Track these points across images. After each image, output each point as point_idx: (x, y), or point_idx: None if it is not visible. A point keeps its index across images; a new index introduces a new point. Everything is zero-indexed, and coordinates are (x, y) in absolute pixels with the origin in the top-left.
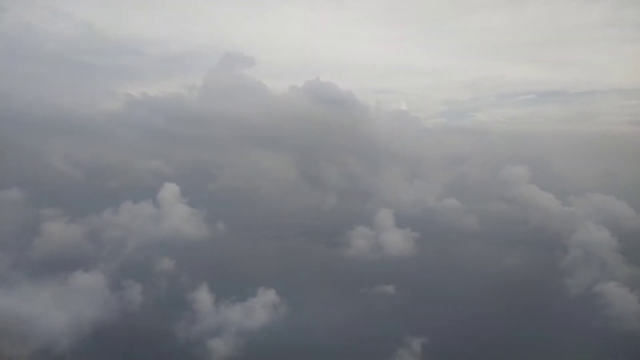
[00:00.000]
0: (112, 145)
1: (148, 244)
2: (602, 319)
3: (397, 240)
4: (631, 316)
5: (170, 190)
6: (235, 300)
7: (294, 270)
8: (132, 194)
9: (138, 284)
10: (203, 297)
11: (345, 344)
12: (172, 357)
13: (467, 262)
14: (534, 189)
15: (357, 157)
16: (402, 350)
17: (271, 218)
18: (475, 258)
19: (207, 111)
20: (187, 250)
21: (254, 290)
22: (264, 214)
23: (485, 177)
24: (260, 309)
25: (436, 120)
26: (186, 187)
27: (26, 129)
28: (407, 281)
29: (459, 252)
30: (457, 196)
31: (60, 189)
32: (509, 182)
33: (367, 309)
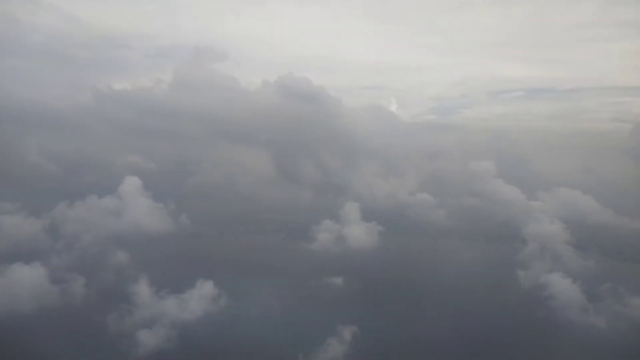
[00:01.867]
0: (82, 139)
1: (106, 238)
2: (546, 310)
3: (360, 234)
4: (573, 306)
5: (132, 184)
6: (173, 292)
7: (246, 263)
8: (98, 188)
9: (82, 277)
10: (143, 290)
11: (276, 334)
12: (100, 348)
13: (426, 255)
14: (500, 184)
15: (332, 152)
16: (332, 339)
17: (240, 213)
18: (435, 251)
19: (176, 105)
20: (143, 244)
21: (194, 283)
22: (233, 209)
23: (459, 172)
24: (197, 301)
25: (426, 117)
26: (152, 181)
27: None
28: (360, 273)
29: (420, 246)
30: (430, 191)
31: (24, 182)
32: (476, 176)
33: (309, 300)
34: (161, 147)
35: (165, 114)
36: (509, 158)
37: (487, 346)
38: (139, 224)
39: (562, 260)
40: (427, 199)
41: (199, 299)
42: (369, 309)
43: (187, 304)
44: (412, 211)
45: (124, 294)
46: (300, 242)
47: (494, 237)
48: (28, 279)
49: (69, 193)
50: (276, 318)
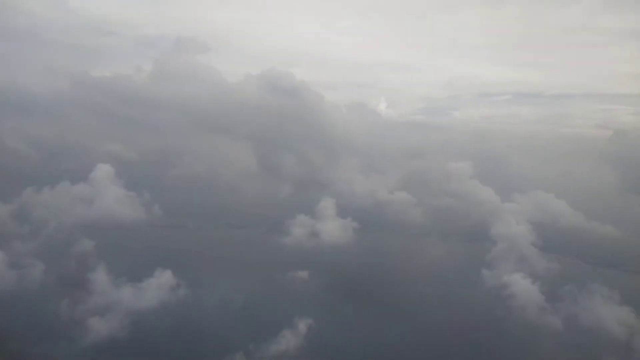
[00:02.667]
0: (59, 125)
1: (74, 225)
2: (505, 309)
3: (333, 230)
4: (531, 306)
5: (104, 172)
6: (131, 281)
7: (213, 256)
8: (72, 175)
9: (41, 263)
10: (101, 277)
11: (231, 325)
12: (50, 335)
13: (397, 253)
14: (476, 185)
15: (313, 147)
16: (287, 332)
17: (219, 206)
18: (407, 249)
19: (156, 95)
20: (111, 233)
21: (153, 272)
22: (212, 202)
23: (439, 172)
24: (153, 291)
25: (415, 117)
26: (126, 170)
27: None
28: (327, 268)
29: (393, 243)
30: (409, 190)
31: None
32: (453, 177)
33: (271, 292)
34: (139, 137)
35: (144, 103)
36: (490, 160)
37: (442, 343)
38: (109, 212)
39: (526, 261)
40: (405, 198)
41: (156, 289)
42: (330, 303)
43: (143, 293)
44: (390, 209)
45: (81, 281)
46: (274, 236)
47: (466, 237)
48: None
49: (42, 179)
50: (233, 309)
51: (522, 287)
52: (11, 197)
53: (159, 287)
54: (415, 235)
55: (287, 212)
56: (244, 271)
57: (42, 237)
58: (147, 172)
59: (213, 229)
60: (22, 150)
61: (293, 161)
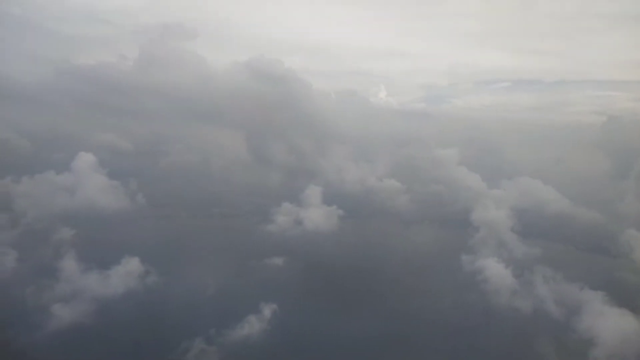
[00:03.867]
0: (43, 114)
1: (54, 214)
2: (478, 293)
3: (317, 217)
4: (503, 290)
5: (85, 161)
6: (101, 268)
7: (190, 244)
8: (56, 164)
9: (15, 252)
10: (71, 265)
11: (195, 311)
12: (14, 321)
13: (380, 240)
14: (464, 171)
15: (302, 135)
16: (252, 316)
17: (206, 195)
18: (391, 236)
19: (141, 83)
20: (90, 222)
21: (121, 260)
22: (198, 190)
23: (429, 159)
24: (121, 278)
25: (415, 105)
26: (111, 159)
27: None
28: (305, 255)
29: (377, 230)
30: (399, 177)
31: None
32: (441, 164)
33: (242, 279)
34: (124, 125)
35: (129, 91)
36: (481, 148)
37: (412, 328)
38: (91, 201)
39: (505, 246)
40: (395, 185)
41: (123, 276)
42: (300, 290)
43: (110, 280)
44: (378, 196)
45: (52, 269)
46: (259, 224)
47: (452, 223)
48: None
49: (26, 168)
50: (201, 296)
51: (495, 271)
52: None
53: (126, 274)
54: (401, 222)
55: (275, 200)
56: (220, 259)
57: (20, 226)
58: (132, 161)
59: (198, 218)
60: (6, 139)
61: (282, 149)
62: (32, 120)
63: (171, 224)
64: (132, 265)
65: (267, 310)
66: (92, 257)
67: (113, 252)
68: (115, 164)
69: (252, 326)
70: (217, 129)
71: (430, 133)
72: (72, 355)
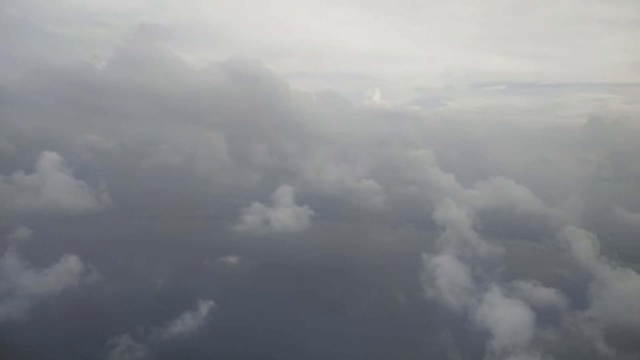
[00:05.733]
0: (15, 114)
1: (15, 214)
2: (434, 291)
3: (286, 217)
4: (457, 287)
5: (50, 160)
6: (37, 267)
7: (146, 244)
8: (24, 163)
9: None
10: (12, 264)
11: (132, 310)
12: None
13: (347, 240)
14: (437, 172)
15: (281, 135)
16: (188, 314)
17: (180, 195)
18: (358, 236)
19: (116, 83)
20: (54, 222)
21: (61, 259)
22: (172, 190)
23: (406, 161)
24: (60, 276)
25: (411, 107)
26: (77, 158)
27: None
28: (262, 255)
29: (346, 231)
30: (377, 178)
31: None
32: (417, 165)
33: (190, 277)
34: (99, 124)
35: (104, 91)
36: (465, 149)
37: (358, 327)
38: (53, 201)
39: (468, 245)
40: (372, 186)
41: (62, 274)
42: (247, 288)
43: (48, 279)
44: (355, 197)
45: None
46: (226, 224)
47: (423, 223)
48: None
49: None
50: (139, 294)
51: (450, 270)
52: None
53: (64, 273)
54: (373, 222)
55: (247, 200)
56: (173, 258)
57: None
58: (105, 161)
59: (167, 218)
60: None
61: (258, 149)
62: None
63: (136, 224)
64: (70, 264)
65: (205, 307)
66: (37, 255)
67: (58, 251)
68: (80, 164)
69: (185, 323)
70: (191, 127)
71: (413, 135)
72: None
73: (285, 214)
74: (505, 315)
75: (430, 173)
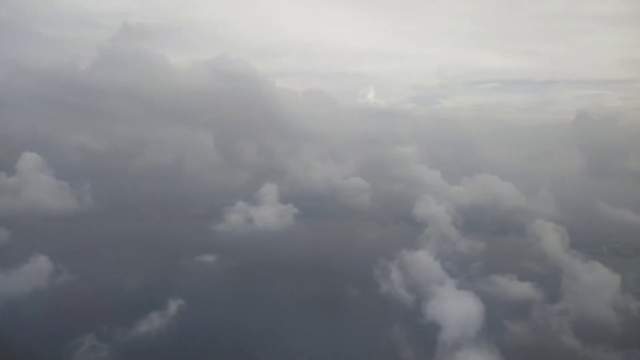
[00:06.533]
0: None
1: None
2: (407, 286)
3: (269, 216)
4: (432, 282)
5: (30, 161)
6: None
7: (124, 244)
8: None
9: None
10: None
11: (100, 310)
12: None
13: (328, 238)
14: (424, 169)
15: (267, 134)
16: (156, 313)
17: (166, 195)
18: (343, 234)
19: (99, 82)
20: (32, 223)
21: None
22: (157, 190)
23: (394, 158)
24: (28, 278)
25: (405, 105)
26: (62, 159)
27: None
28: (241, 254)
29: (331, 228)
30: (365, 176)
31: None
32: (404, 162)
33: (162, 276)
34: (82, 125)
35: (84, 92)
36: (454, 146)
37: (327, 324)
38: (35, 203)
39: (447, 241)
40: (359, 183)
41: (30, 275)
42: (220, 287)
43: (16, 280)
44: (342, 195)
45: None
46: (209, 223)
47: (407, 220)
48: None
49: None
50: (108, 294)
51: (424, 266)
52: None
53: (33, 274)
54: (358, 220)
55: (231, 199)
56: (149, 258)
57: None
58: (86, 162)
59: (153, 219)
60: None
61: (244, 148)
62: None
63: (115, 225)
64: (40, 265)
65: (174, 306)
66: (8, 256)
67: (30, 253)
68: (66, 165)
69: (152, 322)
70: (177, 127)
71: (402, 133)
72: None
73: (268, 213)
74: (456, 308)
75: (416, 170)
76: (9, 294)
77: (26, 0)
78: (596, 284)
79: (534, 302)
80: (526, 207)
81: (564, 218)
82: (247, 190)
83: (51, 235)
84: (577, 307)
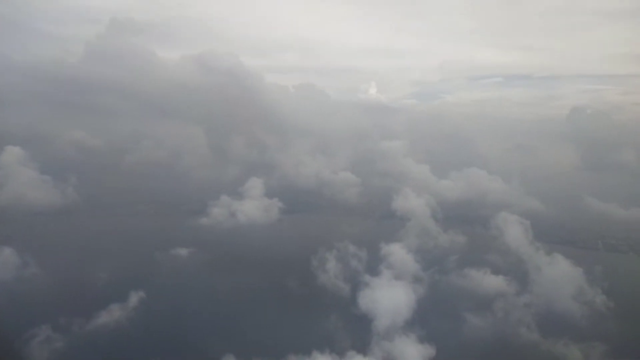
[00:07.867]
0: None
1: None
2: (384, 277)
3: (253, 210)
4: (405, 275)
5: (12, 155)
6: None
7: (101, 239)
8: None
9: None
10: None
11: (60, 300)
12: None
13: (312, 232)
14: (411, 163)
15: (258, 129)
16: (116, 305)
17: (151, 190)
18: (323, 228)
19: (88, 77)
20: (10, 217)
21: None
22: (151, 186)
23: (383, 153)
24: None
25: (407, 101)
26: (44, 153)
27: None
28: (218, 247)
29: (313, 223)
30: (355, 170)
31: None
32: (392, 156)
33: (133, 270)
34: (69, 120)
35: (71, 87)
36: (446, 141)
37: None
38: (17, 198)
39: (427, 234)
40: (349, 178)
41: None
42: (185, 280)
43: None
44: (330, 189)
45: None
46: (192, 217)
47: (392, 214)
48: None
49: None
50: (75, 288)
51: (398, 256)
52: None
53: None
54: (344, 214)
55: (216, 193)
56: (124, 253)
57: None
58: (71, 156)
59: (133, 214)
60: None
61: (233, 142)
62: None
63: (97, 221)
64: (5, 257)
65: (135, 298)
66: None
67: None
68: (51, 160)
69: (112, 314)
70: (167, 122)
71: (395, 128)
72: None
73: (252, 207)
74: (387, 299)
75: (404, 164)
76: None
77: None
78: (560, 277)
79: (503, 295)
80: (511, 201)
81: (551, 212)
82: (233, 184)
83: (25, 229)
84: (542, 300)
